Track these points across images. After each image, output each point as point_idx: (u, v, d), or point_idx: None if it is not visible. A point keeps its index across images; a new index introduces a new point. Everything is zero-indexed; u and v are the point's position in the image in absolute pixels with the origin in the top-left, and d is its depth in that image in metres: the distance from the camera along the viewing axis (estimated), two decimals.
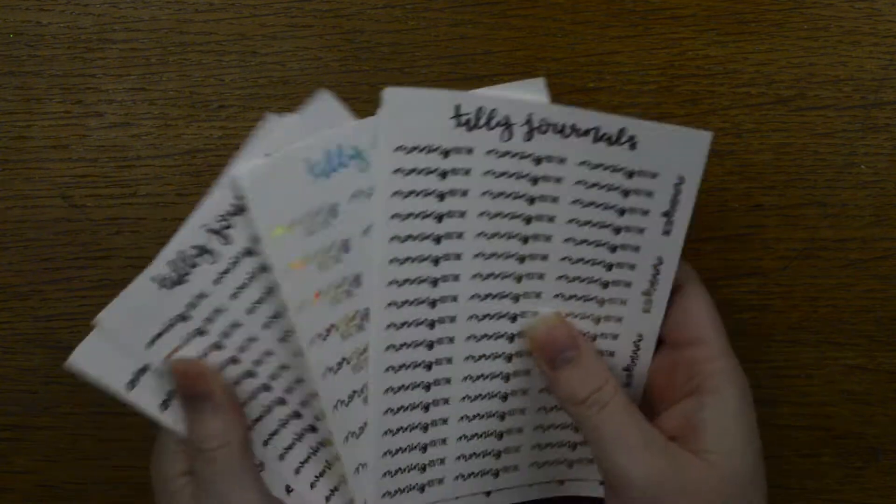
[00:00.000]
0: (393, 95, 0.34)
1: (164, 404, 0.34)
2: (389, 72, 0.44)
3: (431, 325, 0.37)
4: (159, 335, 0.34)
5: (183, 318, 0.34)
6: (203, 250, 0.33)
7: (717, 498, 0.35)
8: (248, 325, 0.35)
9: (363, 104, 0.44)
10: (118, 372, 0.34)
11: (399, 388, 0.37)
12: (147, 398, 0.34)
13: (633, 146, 0.36)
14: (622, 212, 0.37)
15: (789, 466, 0.44)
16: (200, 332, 0.34)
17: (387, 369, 0.37)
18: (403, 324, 0.36)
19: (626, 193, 0.37)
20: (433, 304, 0.37)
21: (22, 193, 0.43)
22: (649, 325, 0.38)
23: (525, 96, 0.35)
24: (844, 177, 0.44)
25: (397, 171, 0.34)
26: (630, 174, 0.36)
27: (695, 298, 0.38)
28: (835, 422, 0.44)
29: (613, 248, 0.37)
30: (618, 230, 0.37)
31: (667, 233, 0.37)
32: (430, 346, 0.37)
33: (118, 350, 0.33)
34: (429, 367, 0.37)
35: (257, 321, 0.35)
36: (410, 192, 0.35)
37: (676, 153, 0.36)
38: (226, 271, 0.34)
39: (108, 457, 0.44)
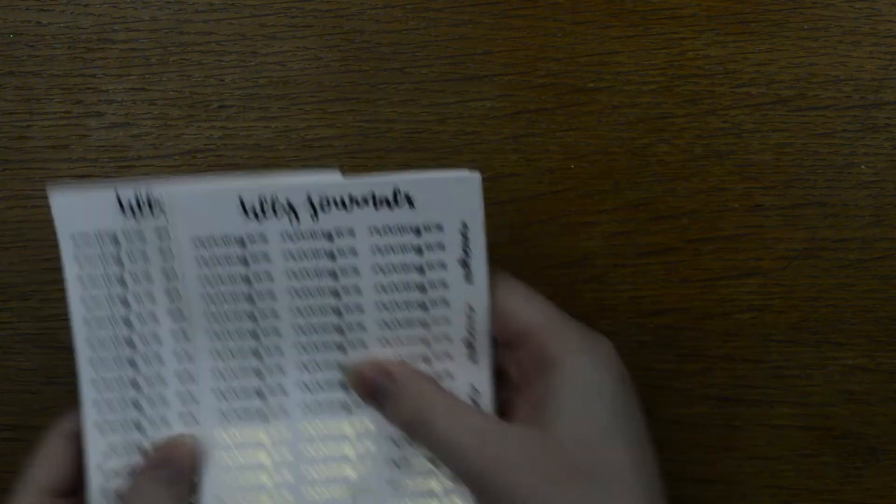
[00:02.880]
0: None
1: None
2: (389, 72, 0.44)
3: (261, 394, 0.38)
4: None
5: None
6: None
7: (558, 466, 0.33)
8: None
9: (363, 104, 0.44)
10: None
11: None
12: None
13: (411, 204, 0.36)
14: (421, 269, 0.37)
15: (789, 466, 0.44)
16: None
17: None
18: (234, 410, 0.38)
19: (419, 251, 0.37)
20: (260, 374, 0.38)
21: (22, 193, 0.43)
22: (478, 375, 0.38)
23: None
24: (844, 177, 0.44)
25: (201, 259, 0.37)
26: (417, 231, 0.37)
27: (507, 292, 0.38)
28: (835, 422, 0.44)
29: (424, 307, 0.38)
30: (423, 288, 0.38)
31: (469, 280, 0.38)
32: (265, 418, 0.39)
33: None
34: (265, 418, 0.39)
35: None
36: (217, 280, 0.37)
37: (452, 201, 0.37)
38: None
39: None
